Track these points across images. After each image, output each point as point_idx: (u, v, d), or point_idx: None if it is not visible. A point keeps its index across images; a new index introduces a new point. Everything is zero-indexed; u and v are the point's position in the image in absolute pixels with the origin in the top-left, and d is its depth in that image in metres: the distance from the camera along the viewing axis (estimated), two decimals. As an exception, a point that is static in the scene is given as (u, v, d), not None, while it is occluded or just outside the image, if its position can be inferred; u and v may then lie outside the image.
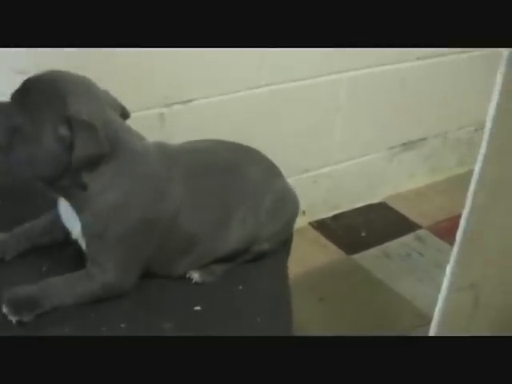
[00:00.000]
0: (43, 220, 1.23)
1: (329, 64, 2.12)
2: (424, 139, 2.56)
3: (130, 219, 1.10)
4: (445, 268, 2.04)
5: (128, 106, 1.65)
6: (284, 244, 1.32)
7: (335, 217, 2.41)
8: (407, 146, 2.52)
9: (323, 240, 2.28)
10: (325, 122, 2.24)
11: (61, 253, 1.20)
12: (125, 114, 1.16)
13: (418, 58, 2.32)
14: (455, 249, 1.20)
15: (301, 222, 2.30)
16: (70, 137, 1.03)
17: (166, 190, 1.14)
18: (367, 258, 2.23)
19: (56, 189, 1.11)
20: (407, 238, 2.34)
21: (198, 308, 1.14)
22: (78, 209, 1.10)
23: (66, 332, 1.06)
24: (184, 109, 1.90)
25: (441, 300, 1.31)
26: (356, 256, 2.23)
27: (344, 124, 2.28)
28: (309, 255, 2.16)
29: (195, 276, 1.20)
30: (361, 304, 2.02)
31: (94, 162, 1.05)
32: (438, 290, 1.89)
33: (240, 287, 1.21)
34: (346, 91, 2.21)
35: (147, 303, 1.14)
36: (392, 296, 2.07)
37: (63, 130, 1.03)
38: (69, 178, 1.07)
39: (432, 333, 1.33)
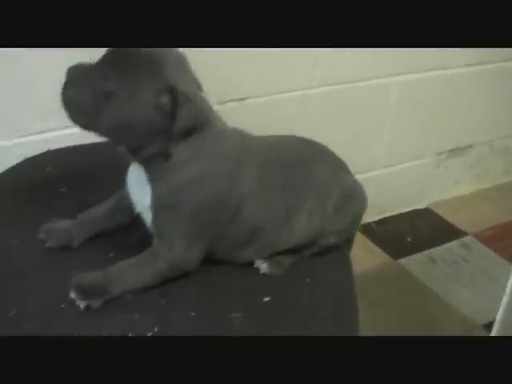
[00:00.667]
0: (107, 204, 1.24)
1: (380, 67, 2.14)
2: (471, 146, 2.58)
3: (204, 194, 1.11)
4: (489, 275, 2.04)
5: None
6: (347, 239, 1.32)
7: (381, 221, 2.43)
8: (454, 152, 2.54)
9: (369, 244, 2.29)
10: (374, 125, 2.26)
11: (127, 238, 1.21)
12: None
13: (466, 65, 2.34)
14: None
15: None
16: (170, 106, 1.04)
17: (240, 174, 1.14)
18: (413, 262, 2.24)
19: (139, 157, 1.11)
20: (453, 245, 2.36)
21: (266, 299, 1.14)
22: (156, 179, 1.11)
23: (135, 318, 1.07)
24: (238, 106, 1.92)
25: (505, 299, 1.32)
26: (402, 261, 2.24)
27: (393, 128, 2.30)
28: (355, 259, 2.10)
29: (263, 267, 1.20)
30: (407, 309, 2.03)
31: (188, 134, 1.07)
32: (484, 297, 1.90)
33: (308, 280, 1.20)
34: (396, 95, 2.23)
35: (215, 292, 1.14)
36: (437, 302, 2.08)
37: (165, 99, 1.04)
38: (156, 146, 1.07)
39: (494, 333, 1.34)
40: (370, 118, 2.22)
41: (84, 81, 1.06)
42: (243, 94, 1.92)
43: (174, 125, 1.04)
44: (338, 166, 1.31)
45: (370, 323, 1.87)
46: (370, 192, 2.28)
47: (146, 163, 1.11)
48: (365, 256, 2.21)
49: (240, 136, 1.20)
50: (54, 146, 1.53)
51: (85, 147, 1.48)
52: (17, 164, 1.46)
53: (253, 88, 1.93)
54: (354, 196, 1.29)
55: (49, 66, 1.50)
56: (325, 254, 1.27)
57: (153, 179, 1.11)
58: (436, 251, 2.31)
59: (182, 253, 1.12)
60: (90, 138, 1.14)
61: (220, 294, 1.14)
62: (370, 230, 2.35)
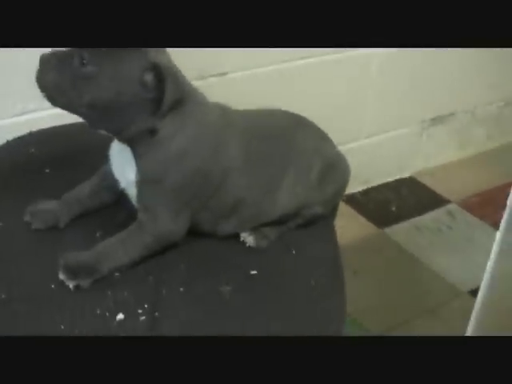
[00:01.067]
0: (91, 182, 1.25)
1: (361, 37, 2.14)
2: (453, 114, 2.59)
3: (190, 167, 1.12)
4: (474, 242, 2.07)
5: None
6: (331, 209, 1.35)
7: (365, 191, 2.45)
8: (437, 120, 2.55)
9: (354, 214, 2.31)
10: (356, 96, 2.26)
11: (113, 216, 1.22)
12: None
13: (448, 34, 2.35)
14: (505, 215, 1.24)
15: None
16: (154, 82, 1.06)
17: (223, 146, 1.16)
18: (398, 231, 2.27)
19: (124, 136, 1.12)
20: (437, 213, 2.38)
21: (254, 272, 1.16)
22: (140, 154, 1.12)
23: (125, 296, 1.08)
24: (218, 81, 1.93)
25: (490, 265, 1.35)
26: (387, 230, 2.27)
27: (375, 98, 2.30)
28: (341, 229, 2.12)
29: (249, 239, 1.22)
30: (392, 277, 2.07)
31: (172, 108, 1.08)
32: (469, 264, 1.93)
33: (293, 251, 1.22)
34: (378, 65, 2.24)
35: (203, 266, 1.16)
36: (423, 270, 2.11)
37: (148, 76, 1.06)
38: (142, 124, 1.09)
39: (479, 299, 1.37)
40: (352, 89, 2.23)
41: (61, 64, 1.07)
42: (223, 69, 1.93)
43: (162, 99, 1.06)
44: (321, 138, 1.33)
45: (356, 293, 1.92)
46: (354, 162, 2.29)
47: (131, 141, 1.12)
48: (350, 226, 2.23)
49: (221, 110, 1.22)
50: (34, 128, 1.53)
51: (67, 127, 1.48)
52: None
53: (233, 62, 1.93)
54: (336, 167, 1.31)
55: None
56: (310, 224, 1.29)
57: (137, 155, 1.12)
58: (421, 219, 2.34)
59: (167, 224, 1.14)
60: (72, 118, 1.15)
61: (207, 268, 1.16)
62: (354, 200, 2.38)
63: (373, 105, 2.32)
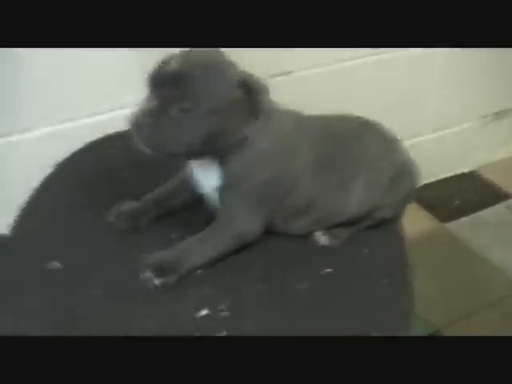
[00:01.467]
0: (169, 185, 1.31)
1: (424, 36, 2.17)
2: (517, 108, 2.59)
3: (269, 171, 1.18)
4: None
5: None
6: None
7: (428, 185, 2.46)
8: (499, 115, 2.55)
9: (417, 207, 2.33)
10: (419, 92, 2.28)
11: (190, 218, 1.27)
12: None
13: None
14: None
15: None
16: (244, 97, 1.11)
17: (297, 149, 1.21)
18: (460, 226, 2.29)
19: (218, 153, 1.17)
20: (499, 207, 2.40)
21: (329, 270, 1.20)
22: (225, 161, 1.17)
23: (207, 292, 1.13)
24: (283, 80, 1.96)
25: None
26: (450, 224, 2.30)
27: (437, 94, 2.31)
28: (404, 223, 2.18)
29: (323, 239, 1.27)
30: (453, 271, 2.10)
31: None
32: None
33: (365, 250, 1.27)
34: (440, 62, 2.26)
35: (279, 264, 1.20)
36: (484, 264, 2.13)
37: (238, 94, 1.11)
38: (234, 137, 1.14)
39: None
40: (415, 85, 2.24)
41: (156, 118, 1.09)
42: (289, 68, 1.97)
43: (254, 110, 1.12)
44: (392, 143, 1.36)
45: (417, 286, 1.97)
46: (416, 157, 2.33)
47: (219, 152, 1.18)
48: (412, 219, 2.12)
49: (293, 115, 1.27)
50: (105, 129, 1.59)
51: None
52: (79, 148, 1.53)
53: (299, 61, 1.97)
54: (407, 173, 1.35)
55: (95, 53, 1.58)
56: (379, 225, 1.33)
57: (223, 162, 1.18)
58: (483, 214, 2.35)
59: (246, 224, 1.19)
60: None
61: (284, 266, 1.21)
62: (418, 195, 2.36)
63: (435, 100, 2.33)
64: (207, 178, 1.21)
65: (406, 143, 2.23)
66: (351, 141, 1.30)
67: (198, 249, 1.18)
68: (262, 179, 1.19)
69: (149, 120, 1.08)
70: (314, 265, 1.22)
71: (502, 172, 2.56)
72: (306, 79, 2.01)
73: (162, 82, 1.08)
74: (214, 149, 1.15)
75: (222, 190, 1.20)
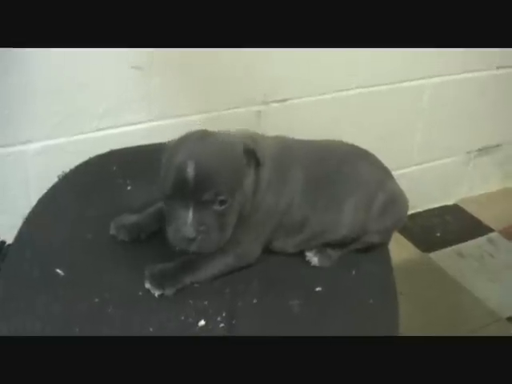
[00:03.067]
0: None
1: (414, 70, 2.27)
2: (499, 145, 2.70)
3: (272, 196, 1.26)
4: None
5: (230, 103, 1.96)
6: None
7: (412, 216, 2.53)
8: (483, 151, 2.66)
9: (401, 238, 2.40)
10: (408, 124, 2.39)
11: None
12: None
13: (498, 67, 2.45)
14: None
15: None
16: (249, 163, 1.22)
17: (289, 172, 1.28)
18: (442, 256, 2.36)
19: None
20: (480, 240, 2.47)
21: (319, 289, 1.27)
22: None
23: (205, 305, 1.19)
24: (280, 107, 2.05)
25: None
26: (431, 254, 2.37)
27: (425, 127, 2.42)
28: None
29: (314, 260, 1.34)
30: (435, 300, 2.15)
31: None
32: (509, 291, 2.01)
33: (353, 272, 1.33)
34: (429, 96, 2.35)
35: (273, 281, 1.27)
36: (464, 294, 2.18)
37: (245, 161, 1.21)
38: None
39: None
40: (404, 118, 2.34)
41: (202, 221, 1.16)
42: (285, 95, 2.05)
43: (259, 173, 1.23)
44: (384, 172, 1.43)
45: (403, 312, 2.02)
46: (403, 188, 2.41)
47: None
48: (396, 249, 2.17)
49: (282, 140, 1.34)
50: (108, 144, 1.67)
51: (145, 147, 1.64)
52: (84, 162, 1.60)
53: (294, 89, 2.06)
54: (397, 202, 1.41)
55: (107, 67, 1.68)
56: (368, 249, 1.40)
57: None
58: (464, 246, 2.42)
59: (248, 247, 1.27)
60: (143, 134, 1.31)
61: (278, 283, 1.27)
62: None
63: (422, 134, 2.41)
64: None
65: (394, 173, 2.34)
66: (343, 164, 1.36)
67: (199, 265, 1.24)
68: (266, 208, 1.26)
69: (198, 227, 1.14)
70: (305, 283, 1.29)
71: (484, 206, 2.64)
72: (300, 107, 2.09)
73: (190, 187, 1.13)
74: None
75: None
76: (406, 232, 2.43)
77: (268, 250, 1.33)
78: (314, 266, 1.34)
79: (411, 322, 1.92)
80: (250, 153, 1.19)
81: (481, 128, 2.58)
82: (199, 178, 1.13)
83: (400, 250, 2.33)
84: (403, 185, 2.30)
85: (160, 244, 1.28)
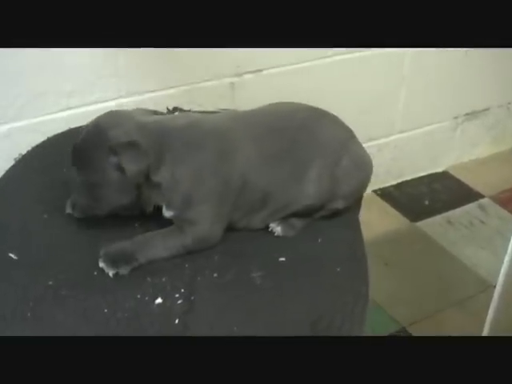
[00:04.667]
0: None
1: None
2: (487, 109, 2.63)
3: (208, 187, 1.24)
4: (507, 236, 2.12)
5: (200, 76, 1.91)
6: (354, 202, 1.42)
7: (399, 185, 2.51)
8: (471, 115, 2.60)
9: (388, 207, 2.38)
10: (390, 91, 2.33)
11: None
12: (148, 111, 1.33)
13: (482, 28, 2.39)
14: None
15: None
16: (119, 162, 1.18)
17: (235, 151, 1.26)
18: (430, 225, 2.32)
19: (138, 208, 1.27)
20: (470, 207, 2.43)
21: (282, 259, 1.24)
22: (163, 203, 1.25)
23: (163, 281, 1.17)
24: (254, 78, 2.01)
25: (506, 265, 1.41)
26: (419, 223, 2.32)
27: (408, 93, 2.36)
28: (374, 222, 2.26)
29: (277, 229, 1.31)
30: (424, 270, 2.12)
31: (147, 170, 1.19)
32: (499, 258, 1.98)
33: (319, 240, 1.31)
34: (410, 61, 2.29)
35: (235, 255, 1.25)
36: (454, 263, 2.16)
37: (113, 159, 1.18)
38: (145, 192, 1.23)
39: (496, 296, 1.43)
40: (386, 84, 2.28)
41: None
42: (259, 66, 2.01)
43: (126, 174, 1.18)
44: (346, 132, 1.38)
45: (386, 284, 2.01)
46: (388, 157, 2.42)
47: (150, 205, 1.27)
48: (383, 219, 2.29)
49: (230, 116, 1.33)
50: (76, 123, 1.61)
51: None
52: (41, 142, 1.57)
53: (268, 59, 2.01)
54: (361, 162, 1.37)
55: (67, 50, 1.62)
56: (334, 216, 1.36)
57: (162, 203, 1.25)
58: (453, 214, 2.38)
59: (205, 230, 1.25)
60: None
61: (239, 256, 1.25)
62: (388, 194, 2.43)
63: (406, 100, 2.36)
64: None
65: (378, 142, 2.37)
66: (300, 131, 1.32)
67: (156, 245, 1.22)
68: (202, 198, 1.24)
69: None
70: (268, 254, 1.26)
71: (474, 172, 2.60)
72: (276, 77, 2.04)
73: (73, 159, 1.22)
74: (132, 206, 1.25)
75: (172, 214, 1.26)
76: (393, 201, 2.42)
77: (231, 229, 1.30)
78: (278, 237, 1.32)
79: (399, 293, 2.00)
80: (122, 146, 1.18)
81: (467, 92, 2.50)
82: (73, 156, 1.22)
83: (387, 219, 2.32)
84: (388, 153, 2.28)
85: (119, 222, 1.28)
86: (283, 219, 1.32)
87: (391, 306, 1.95)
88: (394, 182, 2.50)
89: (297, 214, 1.33)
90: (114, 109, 1.34)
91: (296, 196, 1.31)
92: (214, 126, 1.28)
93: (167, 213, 1.25)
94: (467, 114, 2.59)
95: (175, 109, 1.78)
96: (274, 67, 2.04)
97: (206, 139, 1.25)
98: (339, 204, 1.35)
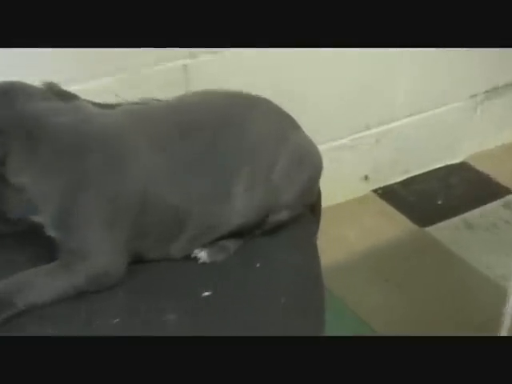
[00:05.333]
0: None
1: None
2: (511, 85, 2.54)
3: (89, 204, 1.13)
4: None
5: (149, 58, 1.82)
6: (310, 209, 1.33)
7: (405, 182, 2.41)
8: (492, 93, 2.49)
9: (390, 210, 2.28)
10: (388, 67, 2.22)
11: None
12: (57, 92, 1.22)
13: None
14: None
15: (363, 190, 2.38)
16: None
17: (126, 158, 1.17)
18: (444, 230, 2.21)
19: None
20: (493, 205, 2.32)
21: (207, 293, 1.15)
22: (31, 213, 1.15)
23: (48, 332, 1.07)
24: (212, 59, 1.91)
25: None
26: (430, 228, 2.22)
27: (411, 69, 2.26)
28: (373, 229, 2.19)
29: (202, 255, 1.22)
30: (435, 287, 2.01)
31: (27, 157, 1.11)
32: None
33: (257, 265, 1.22)
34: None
35: (146, 292, 1.16)
36: (474, 276, 2.05)
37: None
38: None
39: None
40: (383, 59, 2.17)
41: None
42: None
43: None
44: (283, 122, 1.29)
45: (383, 305, 1.92)
46: (389, 148, 2.34)
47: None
48: (385, 225, 2.21)
49: (127, 110, 1.24)
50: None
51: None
52: None
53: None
54: (304, 156, 1.28)
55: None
56: (278, 231, 1.27)
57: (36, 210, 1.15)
58: (473, 214, 2.28)
59: (102, 263, 1.14)
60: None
61: (151, 294, 1.15)
62: (391, 194, 2.36)
63: (409, 77, 2.27)
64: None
65: (375, 131, 2.26)
66: (223, 127, 1.23)
67: (40, 286, 1.12)
68: (84, 215, 1.14)
69: None
70: (188, 289, 1.17)
71: (498, 162, 2.50)
72: (241, 58, 1.95)
73: None
74: None
75: (52, 228, 1.15)
76: (398, 202, 2.31)
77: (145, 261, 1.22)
78: (204, 264, 1.22)
79: (403, 318, 1.87)
80: None
81: (487, 64, 2.39)
82: None
83: (390, 225, 2.21)
84: (391, 143, 2.25)
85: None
86: (211, 242, 1.24)
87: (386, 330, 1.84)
88: (398, 179, 2.41)
89: (228, 235, 1.24)
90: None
91: (222, 214, 1.22)
92: (106, 123, 1.20)
93: (48, 230, 1.14)
94: (487, 92, 2.48)
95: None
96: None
97: (92, 141, 1.16)
98: (282, 215, 1.26)
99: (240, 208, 1.21)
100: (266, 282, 1.18)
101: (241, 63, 1.94)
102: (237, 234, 1.24)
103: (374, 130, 2.26)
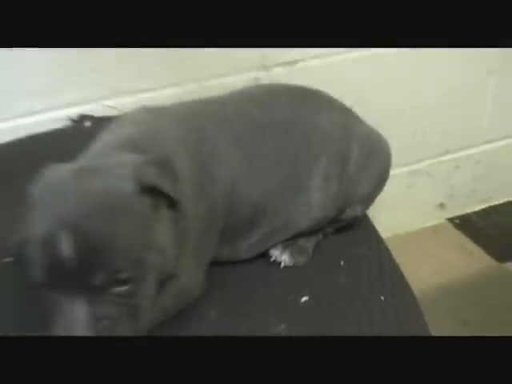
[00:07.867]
0: None
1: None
2: None
3: (198, 221, 1.27)
4: None
5: (215, 69, 2.08)
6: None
7: (484, 212, 2.62)
8: None
9: (467, 243, 2.48)
10: (472, 88, 2.44)
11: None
12: None
13: None
14: None
15: (437, 218, 2.62)
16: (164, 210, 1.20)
17: (216, 163, 1.30)
18: None
19: None
20: None
21: (305, 299, 1.30)
22: None
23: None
24: (285, 72, 2.15)
25: None
26: (511, 264, 2.38)
27: (498, 91, 2.49)
28: (448, 263, 2.39)
29: (284, 258, 1.38)
30: None
31: None
32: None
33: (341, 263, 1.38)
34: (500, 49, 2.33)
35: (234, 309, 1.30)
36: None
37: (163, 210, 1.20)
38: None
39: None
40: (467, 79, 2.38)
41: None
42: (292, 57, 2.13)
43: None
44: (349, 115, 1.44)
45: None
46: (468, 175, 2.54)
47: None
48: (461, 260, 2.35)
49: (198, 115, 1.37)
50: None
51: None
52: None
53: (304, 48, 2.09)
54: (376, 146, 1.45)
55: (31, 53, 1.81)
56: (348, 228, 1.41)
57: None
58: None
59: (188, 280, 1.26)
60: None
61: (246, 308, 1.30)
62: (469, 225, 2.49)
63: (495, 99, 2.47)
64: None
65: (454, 156, 2.51)
66: (292, 124, 1.39)
67: (119, 324, 1.13)
68: (198, 223, 1.26)
69: (96, 324, 1.07)
70: (283, 296, 1.32)
71: None
72: (314, 71, 2.20)
73: (71, 270, 1.05)
74: None
75: None
76: (476, 234, 2.48)
77: (219, 264, 1.34)
78: (286, 268, 1.39)
79: None
80: (152, 190, 1.12)
81: None
82: (83, 256, 1.04)
83: (466, 260, 2.39)
84: (470, 170, 2.43)
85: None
86: (287, 243, 1.37)
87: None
88: (476, 208, 2.59)
89: (300, 235, 1.37)
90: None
91: (299, 210, 1.38)
92: (185, 127, 1.33)
93: None
94: None
95: (83, 117, 1.87)
96: (312, 58, 2.15)
97: (185, 149, 1.29)
98: (357, 211, 1.42)
99: (317, 201, 1.36)
100: (358, 280, 1.32)
101: (312, 76, 2.10)
102: (311, 232, 1.38)
103: (452, 155, 2.44)
